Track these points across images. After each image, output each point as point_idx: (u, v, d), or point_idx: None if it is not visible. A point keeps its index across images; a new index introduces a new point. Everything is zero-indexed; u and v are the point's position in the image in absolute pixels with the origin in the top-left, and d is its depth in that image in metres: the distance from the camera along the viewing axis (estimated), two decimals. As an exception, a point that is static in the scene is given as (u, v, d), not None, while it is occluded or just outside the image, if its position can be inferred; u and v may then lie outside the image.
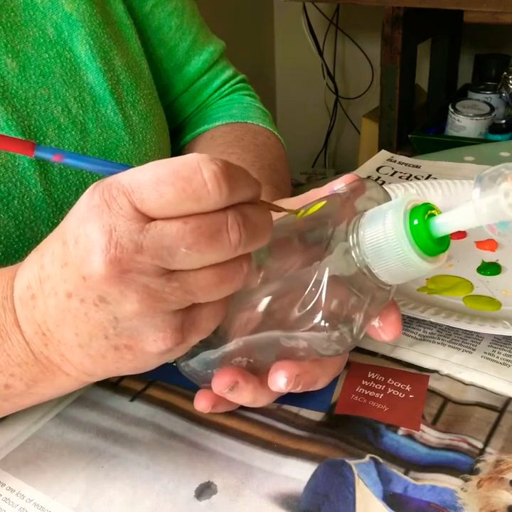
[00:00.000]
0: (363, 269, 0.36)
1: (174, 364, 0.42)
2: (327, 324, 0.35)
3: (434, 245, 0.34)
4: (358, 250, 0.35)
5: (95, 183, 0.32)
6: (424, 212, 0.34)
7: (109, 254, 0.31)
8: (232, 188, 0.31)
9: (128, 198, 0.31)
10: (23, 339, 0.36)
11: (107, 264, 0.31)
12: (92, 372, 0.37)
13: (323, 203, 0.39)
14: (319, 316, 0.35)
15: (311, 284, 0.35)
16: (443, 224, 0.33)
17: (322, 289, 0.35)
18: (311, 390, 0.41)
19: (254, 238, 0.33)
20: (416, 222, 0.33)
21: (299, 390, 0.39)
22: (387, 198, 0.38)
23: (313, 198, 0.41)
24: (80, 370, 0.37)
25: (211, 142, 0.66)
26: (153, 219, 0.31)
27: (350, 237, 0.35)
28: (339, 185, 0.40)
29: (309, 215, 0.38)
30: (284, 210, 0.38)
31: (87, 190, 0.32)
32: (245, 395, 0.40)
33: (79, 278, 0.32)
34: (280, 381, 0.39)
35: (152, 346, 0.34)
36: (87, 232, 0.31)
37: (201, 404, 0.42)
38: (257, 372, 0.40)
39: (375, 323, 0.39)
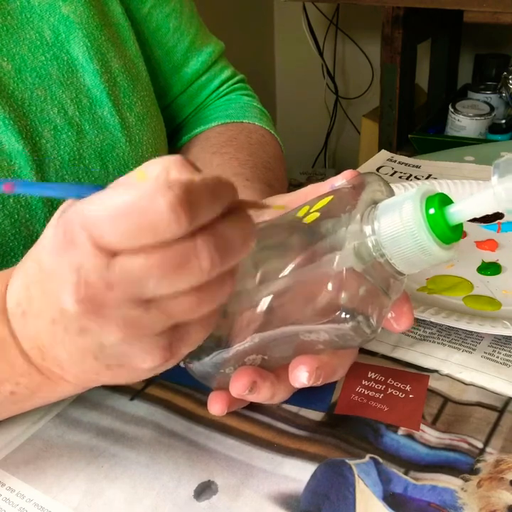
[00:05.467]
0: (380, 259, 0.36)
1: (183, 365, 0.42)
2: (348, 316, 0.35)
3: (450, 233, 0.35)
4: (374, 241, 0.36)
5: (58, 212, 0.31)
6: (439, 201, 0.35)
7: (79, 294, 0.30)
8: (194, 214, 0.29)
9: (88, 233, 0.29)
10: (22, 352, 0.36)
11: (79, 303, 0.30)
12: (90, 383, 0.37)
13: (330, 197, 0.39)
14: (340, 308, 0.35)
15: (329, 277, 0.35)
16: (458, 212, 0.34)
17: (341, 281, 0.35)
18: (330, 381, 0.41)
19: (230, 256, 0.31)
20: (432, 211, 0.34)
21: (319, 382, 0.39)
22: (390, 189, 0.39)
23: (313, 194, 0.41)
24: (79, 380, 0.37)
25: (205, 143, 0.66)
26: (118, 253, 0.30)
27: (366, 228, 0.36)
28: (340, 181, 0.40)
29: (317, 209, 0.38)
30: (269, 206, 0.37)
31: (52, 221, 0.31)
32: (264, 393, 0.40)
33: (58, 309, 0.32)
34: (302, 376, 0.39)
35: (142, 364, 0.33)
36: (57, 269, 0.31)
37: (216, 407, 0.42)
38: (272, 368, 0.41)
39: (388, 313, 0.39)
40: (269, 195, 0.49)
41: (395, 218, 0.35)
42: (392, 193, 0.39)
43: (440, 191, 0.36)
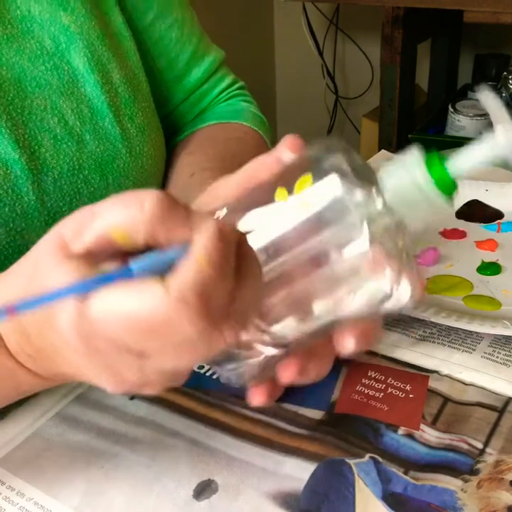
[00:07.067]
0: (398, 226, 0.36)
1: (214, 377, 0.41)
2: (392, 290, 0.36)
3: (452, 184, 0.37)
4: (389, 211, 0.36)
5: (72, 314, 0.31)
6: (437, 157, 0.36)
7: (116, 388, 0.34)
8: (211, 312, 0.30)
9: (112, 342, 0.31)
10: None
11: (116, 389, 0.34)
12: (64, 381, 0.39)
13: (308, 177, 0.37)
14: (387, 287, 0.36)
15: (365, 261, 0.35)
16: (458, 162, 0.36)
17: (379, 266, 0.35)
18: (373, 344, 0.42)
19: (248, 317, 0.33)
20: (435, 166, 0.36)
21: (365, 348, 0.40)
22: (347, 147, 0.39)
23: (262, 170, 0.40)
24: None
25: (187, 143, 0.68)
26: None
27: (378, 200, 0.36)
28: (286, 153, 0.40)
29: (305, 192, 0.37)
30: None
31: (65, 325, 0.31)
32: (311, 373, 0.40)
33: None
34: (349, 343, 0.39)
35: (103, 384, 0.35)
36: (89, 370, 0.33)
37: (258, 399, 0.42)
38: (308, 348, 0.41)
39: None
40: None
41: (402, 179, 0.36)
42: (354, 152, 0.39)
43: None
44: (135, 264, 0.31)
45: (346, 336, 0.39)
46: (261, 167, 0.41)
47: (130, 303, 0.30)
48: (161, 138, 0.64)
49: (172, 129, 0.71)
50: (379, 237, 0.35)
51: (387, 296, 0.36)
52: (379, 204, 0.36)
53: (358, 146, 2.04)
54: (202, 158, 0.62)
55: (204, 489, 0.40)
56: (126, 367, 0.32)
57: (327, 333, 0.40)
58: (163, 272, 0.31)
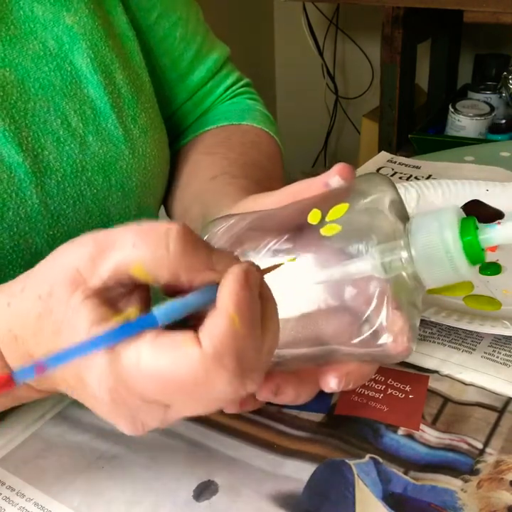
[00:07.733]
0: (415, 281, 0.37)
1: None
2: (390, 340, 0.36)
3: (482, 256, 0.36)
4: (410, 264, 0.36)
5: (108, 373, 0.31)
6: (474, 225, 0.36)
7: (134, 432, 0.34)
8: (247, 371, 0.31)
9: (140, 396, 0.32)
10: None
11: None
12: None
13: (346, 206, 0.37)
14: (382, 336, 0.36)
15: (374, 304, 0.35)
16: (492, 238, 0.36)
17: (385, 312, 0.35)
18: (361, 384, 0.42)
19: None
20: (468, 236, 0.35)
21: (350, 388, 0.40)
22: (397, 190, 0.38)
23: (304, 192, 0.40)
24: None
25: (199, 144, 0.67)
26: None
27: (402, 253, 0.36)
28: (334, 178, 0.40)
29: (335, 219, 0.37)
30: (275, 267, 0.36)
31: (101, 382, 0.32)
32: (288, 394, 0.40)
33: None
34: (332, 382, 0.39)
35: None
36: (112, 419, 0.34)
37: (231, 407, 0.42)
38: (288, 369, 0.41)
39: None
40: (254, 192, 0.48)
41: (435, 244, 0.35)
42: (399, 196, 0.38)
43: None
44: (158, 311, 0.31)
45: (330, 374, 0.39)
46: (306, 189, 0.41)
47: (164, 362, 0.30)
48: (165, 139, 0.63)
49: (176, 130, 0.70)
50: (391, 283, 0.36)
51: (379, 339, 0.36)
52: (403, 252, 0.36)
53: (357, 146, 2.04)
54: (223, 162, 0.61)
55: (204, 490, 0.40)
56: (149, 417, 0.33)
57: (311, 362, 0.40)
58: (186, 317, 0.31)
